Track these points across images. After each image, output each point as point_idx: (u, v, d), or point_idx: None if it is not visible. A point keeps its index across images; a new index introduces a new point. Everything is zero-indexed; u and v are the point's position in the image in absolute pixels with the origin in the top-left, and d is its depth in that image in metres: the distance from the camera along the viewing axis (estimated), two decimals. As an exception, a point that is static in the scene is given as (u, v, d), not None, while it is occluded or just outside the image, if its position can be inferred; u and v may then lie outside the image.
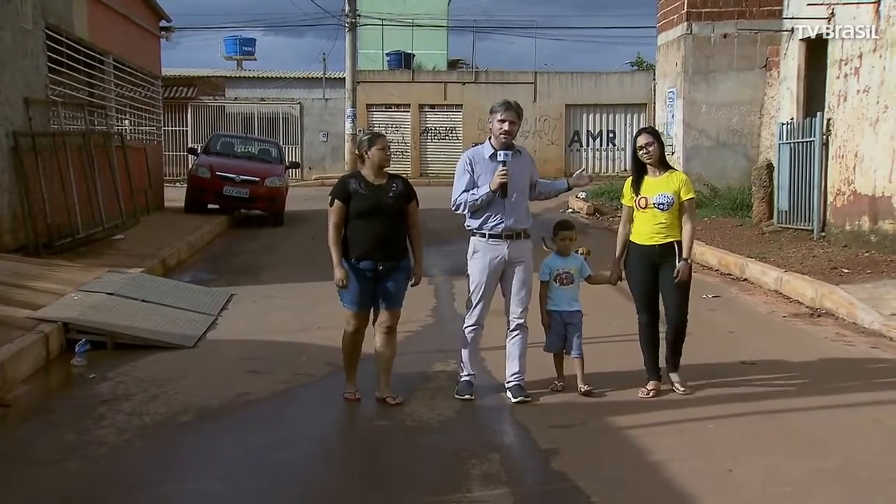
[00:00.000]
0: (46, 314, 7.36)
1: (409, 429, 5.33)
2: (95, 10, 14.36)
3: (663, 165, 6.01)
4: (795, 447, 4.96)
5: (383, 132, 6.17)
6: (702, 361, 6.54)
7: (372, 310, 5.78)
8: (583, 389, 5.88)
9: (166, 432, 5.31)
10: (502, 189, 5.67)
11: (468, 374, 5.92)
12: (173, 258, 11.90)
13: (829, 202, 12.72)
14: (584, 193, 21.87)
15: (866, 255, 11.03)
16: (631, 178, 6.10)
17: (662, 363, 6.09)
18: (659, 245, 5.89)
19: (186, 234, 13.84)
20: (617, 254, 6.16)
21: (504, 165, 5.67)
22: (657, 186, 5.91)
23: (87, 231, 11.73)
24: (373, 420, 5.47)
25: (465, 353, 5.92)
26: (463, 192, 5.80)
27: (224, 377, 6.49)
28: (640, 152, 5.94)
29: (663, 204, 5.85)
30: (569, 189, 6.20)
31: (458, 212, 5.88)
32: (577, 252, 6.15)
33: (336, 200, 5.66)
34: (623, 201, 6.18)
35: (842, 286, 9.12)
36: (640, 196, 5.95)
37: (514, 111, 5.80)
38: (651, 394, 5.91)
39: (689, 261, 5.88)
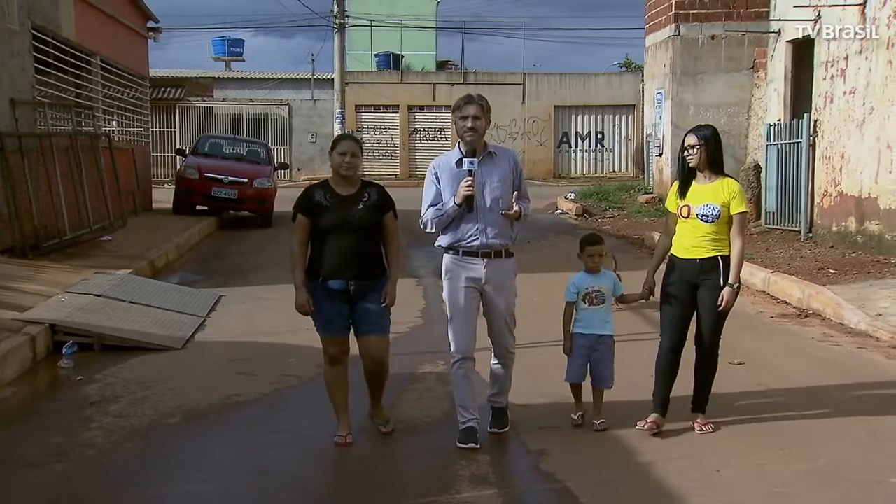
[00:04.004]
0: (33, 316, 7.33)
1: (397, 430, 5.31)
2: (83, 10, 14.30)
3: (716, 171, 5.24)
4: (783, 447, 4.98)
5: (354, 134, 5.41)
6: (689, 362, 6.53)
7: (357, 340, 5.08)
8: (598, 425, 5.26)
9: (154, 434, 5.29)
10: (468, 202, 4.91)
11: (469, 419, 5.03)
12: (161, 259, 11.86)
13: (816, 203, 12.80)
14: (572, 194, 21.91)
15: (853, 255, 11.09)
16: (678, 181, 5.38)
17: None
18: (701, 259, 5.18)
19: (174, 235, 13.80)
20: (652, 264, 5.45)
21: (471, 175, 4.89)
22: (704, 195, 5.19)
23: (74, 232, 11.68)
24: (361, 421, 5.46)
25: (458, 395, 5.09)
26: (430, 206, 5.03)
27: (212, 379, 6.47)
28: (685, 153, 5.25)
29: (708, 216, 5.14)
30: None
31: (427, 230, 5.09)
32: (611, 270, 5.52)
33: (299, 215, 4.95)
34: (667, 206, 5.49)
35: (829, 287, 9.16)
36: (683, 203, 5.24)
37: (476, 104, 4.95)
38: (647, 427, 5.17)
39: (736, 287, 5.18)
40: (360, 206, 4.95)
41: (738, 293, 5.22)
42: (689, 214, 5.22)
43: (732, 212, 5.18)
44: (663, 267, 5.43)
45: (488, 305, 5.09)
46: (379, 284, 5.00)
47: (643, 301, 5.63)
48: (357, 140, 5.13)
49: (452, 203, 4.94)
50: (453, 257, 5.05)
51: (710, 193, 5.20)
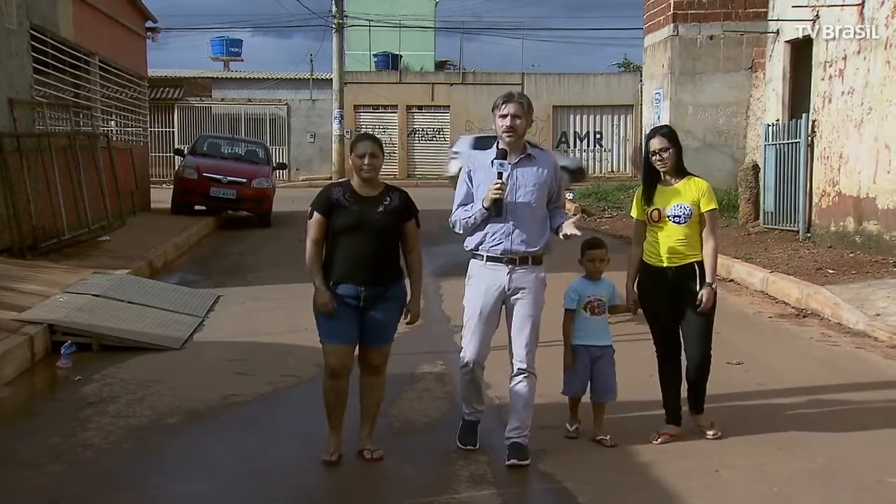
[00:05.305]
0: (32, 316, 7.32)
1: (396, 430, 5.32)
2: (81, 10, 14.29)
3: (680, 172, 5.11)
4: (781, 447, 4.99)
5: (374, 134, 5.08)
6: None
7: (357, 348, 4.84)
8: (608, 441, 5.05)
9: (152, 434, 5.28)
10: (496, 206, 4.70)
11: (472, 412, 4.99)
12: (160, 259, 11.86)
13: (814, 203, 12.80)
14: (571, 194, 21.88)
15: (851, 255, 11.10)
16: (642, 187, 5.23)
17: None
18: (676, 267, 5.04)
19: (173, 235, 13.80)
20: (630, 277, 5.24)
21: (500, 177, 4.68)
22: (673, 196, 5.05)
23: (72, 232, 11.67)
24: (359, 421, 5.44)
25: (463, 391, 5.02)
26: (459, 206, 4.87)
27: (211, 379, 6.47)
28: (654, 158, 5.06)
29: (679, 217, 5.01)
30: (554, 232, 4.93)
31: (455, 230, 4.92)
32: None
33: (315, 213, 4.74)
34: (633, 214, 5.27)
35: (827, 287, 9.17)
36: (652, 207, 5.09)
37: (516, 103, 4.73)
38: (660, 440, 5.06)
39: (713, 285, 5.04)
40: (381, 208, 4.72)
41: (716, 291, 5.08)
42: (659, 218, 5.06)
43: (703, 209, 5.04)
44: None
45: (510, 316, 4.84)
46: (391, 292, 4.79)
47: (630, 315, 5.47)
48: (377, 139, 4.84)
49: (481, 205, 4.74)
50: (477, 262, 4.85)
51: (678, 194, 5.07)
